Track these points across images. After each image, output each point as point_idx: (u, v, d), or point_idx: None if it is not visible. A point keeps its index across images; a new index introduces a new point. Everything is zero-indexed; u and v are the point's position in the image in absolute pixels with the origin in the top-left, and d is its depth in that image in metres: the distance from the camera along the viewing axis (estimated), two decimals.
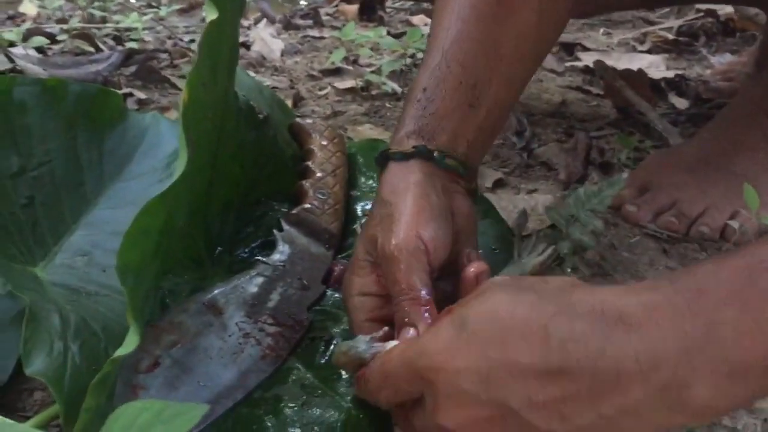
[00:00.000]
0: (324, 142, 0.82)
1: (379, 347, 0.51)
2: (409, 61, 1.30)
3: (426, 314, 0.50)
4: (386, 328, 0.53)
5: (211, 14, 0.52)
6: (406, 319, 0.51)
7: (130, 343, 0.48)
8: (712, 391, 0.36)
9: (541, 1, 0.65)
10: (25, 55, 1.14)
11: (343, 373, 0.60)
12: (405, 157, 0.58)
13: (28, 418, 0.56)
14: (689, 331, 0.36)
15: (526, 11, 0.65)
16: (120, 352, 0.47)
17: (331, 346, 0.61)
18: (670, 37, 1.53)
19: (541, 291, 0.41)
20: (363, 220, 0.76)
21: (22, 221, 0.67)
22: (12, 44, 1.23)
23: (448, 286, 0.56)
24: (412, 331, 0.50)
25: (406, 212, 0.54)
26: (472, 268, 0.52)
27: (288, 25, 1.72)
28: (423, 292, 0.51)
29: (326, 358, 0.61)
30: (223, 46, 0.59)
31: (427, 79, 0.62)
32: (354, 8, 1.85)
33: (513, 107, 0.74)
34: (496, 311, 0.41)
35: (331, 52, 1.42)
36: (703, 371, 0.35)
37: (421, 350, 0.44)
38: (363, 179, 0.82)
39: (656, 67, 1.32)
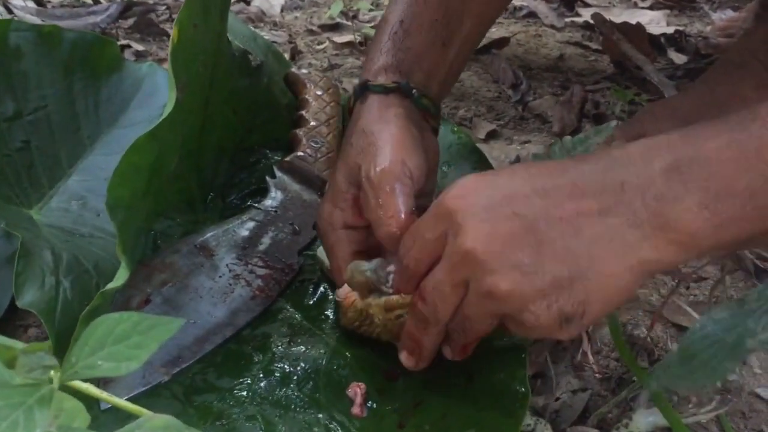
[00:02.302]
0: (319, 92, 0.83)
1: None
2: None
3: None
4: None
5: None
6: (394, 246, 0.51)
7: (120, 277, 0.49)
8: (700, 207, 0.39)
9: None
10: (23, 6, 1.14)
11: (330, 314, 0.61)
12: (385, 90, 0.59)
13: None
14: (680, 155, 0.40)
15: None
16: (111, 285, 0.49)
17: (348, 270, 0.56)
18: None
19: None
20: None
21: (18, 164, 0.68)
22: None
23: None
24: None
25: (391, 141, 0.55)
26: None
27: None
28: (408, 215, 0.51)
29: (314, 299, 0.63)
30: None
31: (403, 11, 0.63)
32: None
33: (476, 47, 0.75)
34: (512, 165, 0.46)
35: (330, 8, 1.42)
36: (692, 186, 0.39)
37: (449, 188, 0.45)
38: (349, 114, 0.83)
39: (657, 22, 1.31)
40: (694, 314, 0.61)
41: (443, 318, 0.46)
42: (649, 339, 0.61)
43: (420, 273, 0.47)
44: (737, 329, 0.44)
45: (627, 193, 0.40)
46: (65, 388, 0.31)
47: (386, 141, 0.55)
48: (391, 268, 0.51)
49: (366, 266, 0.52)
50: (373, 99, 0.59)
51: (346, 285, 0.55)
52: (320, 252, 0.62)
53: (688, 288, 0.67)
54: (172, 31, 0.52)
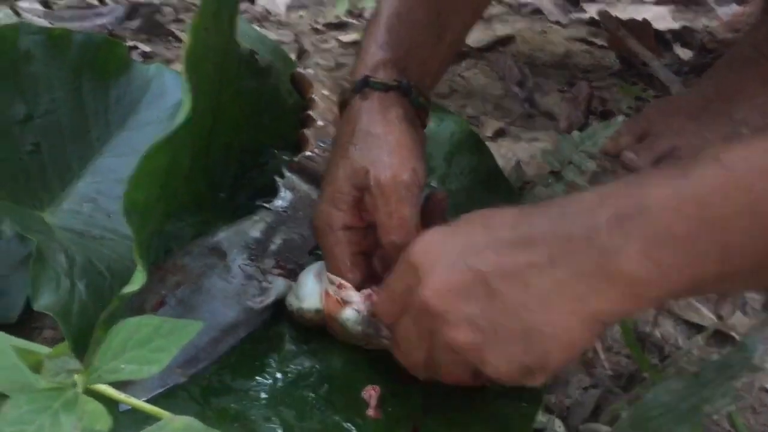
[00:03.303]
0: (325, 92, 0.83)
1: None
2: None
3: None
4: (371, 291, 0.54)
5: None
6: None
7: (137, 281, 0.49)
8: (641, 256, 0.39)
9: None
10: (30, 8, 1.14)
11: None
12: (386, 88, 0.59)
13: None
14: (624, 204, 0.40)
15: None
16: (128, 289, 0.49)
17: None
18: None
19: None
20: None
21: (29, 167, 0.68)
22: None
23: None
24: None
25: (400, 146, 0.55)
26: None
27: None
28: (416, 224, 0.54)
29: None
30: None
31: (399, 3, 0.62)
32: None
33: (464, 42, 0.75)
34: (473, 214, 0.47)
35: (335, 6, 1.42)
36: (634, 235, 0.39)
37: (412, 244, 0.47)
38: (343, 108, 0.83)
39: (662, 18, 1.30)
40: (705, 311, 0.61)
41: (417, 362, 0.49)
42: (659, 336, 0.61)
43: (395, 321, 0.49)
44: (692, 399, 0.44)
45: (573, 244, 0.41)
46: (86, 391, 0.31)
47: (395, 146, 0.55)
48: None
49: (353, 323, 0.53)
50: (373, 97, 0.59)
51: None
52: (290, 298, 0.60)
53: None
54: (186, 36, 0.52)
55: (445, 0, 0.63)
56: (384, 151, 0.55)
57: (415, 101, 0.60)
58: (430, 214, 0.57)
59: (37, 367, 0.29)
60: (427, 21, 0.62)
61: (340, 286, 0.55)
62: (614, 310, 0.41)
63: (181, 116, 0.52)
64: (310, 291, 0.58)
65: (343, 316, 0.54)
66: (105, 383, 0.30)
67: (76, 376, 0.29)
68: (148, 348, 0.30)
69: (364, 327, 0.53)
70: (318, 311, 0.57)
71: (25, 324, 0.61)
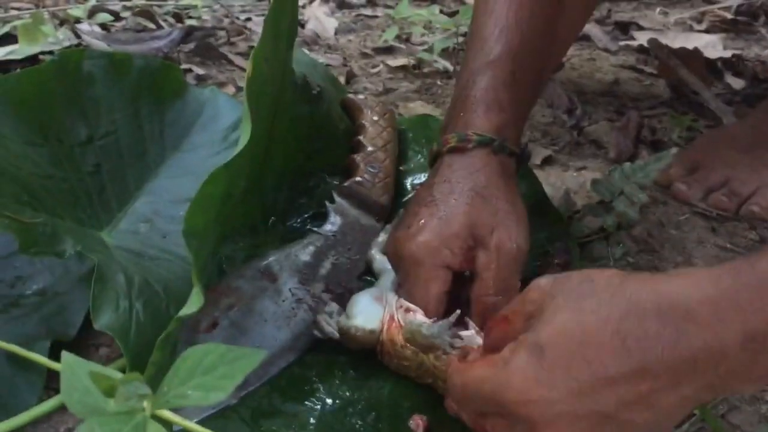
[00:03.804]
0: (375, 117, 0.84)
1: (463, 340, 0.53)
2: (461, 39, 1.31)
3: None
4: (458, 312, 0.54)
5: None
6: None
7: (194, 303, 0.51)
8: (765, 373, 0.39)
9: None
10: (90, 31, 1.18)
11: None
12: (510, 154, 0.62)
13: None
14: (752, 326, 0.38)
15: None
16: (185, 311, 0.50)
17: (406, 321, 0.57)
18: (729, 16, 1.50)
19: (595, 293, 0.43)
20: (411, 195, 0.78)
21: (89, 187, 0.71)
22: (78, 20, 1.28)
23: None
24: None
25: (525, 219, 0.59)
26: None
27: (342, 4, 1.73)
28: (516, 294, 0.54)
29: None
30: (284, 22, 0.62)
31: (513, 59, 0.64)
32: None
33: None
34: (565, 330, 0.42)
35: (383, 31, 1.44)
36: (762, 357, 0.38)
37: (505, 384, 0.43)
38: (412, 154, 0.84)
39: (713, 46, 1.30)
40: None
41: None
42: None
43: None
44: None
45: (699, 366, 0.39)
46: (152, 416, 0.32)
47: (521, 216, 0.59)
48: (463, 332, 0.54)
49: (428, 328, 0.53)
50: (501, 158, 0.62)
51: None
52: (341, 317, 0.60)
53: None
54: (248, 65, 0.54)
55: (544, 60, 0.66)
56: (512, 217, 0.58)
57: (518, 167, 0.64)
58: None
59: (109, 391, 0.30)
60: (533, 82, 0.65)
61: (407, 310, 0.55)
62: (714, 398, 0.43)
63: (240, 144, 0.53)
64: (364, 310, 0.58)
65: (416, 323, 0.54)
66: (172, 408, 0.31)
67: (145, 402, 0.30)
68: (213, 375, 0.31)
69: (435, 336, 0.53)
70: (371, 331, 0.57)
71: (83, 341, 0.63)
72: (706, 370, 0.39)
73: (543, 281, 0.46)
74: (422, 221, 0.58)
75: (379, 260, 0.67)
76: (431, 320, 0.55)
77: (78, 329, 0.63)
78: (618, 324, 0.41)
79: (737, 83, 1.15)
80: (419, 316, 0.55)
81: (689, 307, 0.39)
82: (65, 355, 0.33)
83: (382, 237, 0.70)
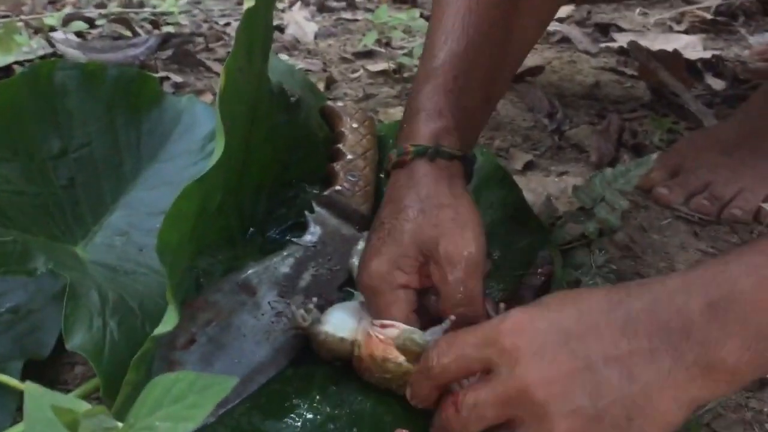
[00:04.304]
0: (355, 125, 0.83)
1: None
2: None
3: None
4: (452, 318, 0.54)
5: (248, 1, 0.54)
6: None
7: (169, 321, 0.49)
8: (741, 350, 0.41)
9: None
10: (65, 39, 1.16)
11: None
12: (451, 157, 0.60)
13: (69, 390, 0.59)
14: (715, 295, 0.42)
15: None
16: (160, 329, 0.49)
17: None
18: (708, 16, 1.50)
19: (573, 301, 0.47)
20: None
21: (63, 202, 0.69)
22: (53, 29, 1.26)
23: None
24: None
25: (470, 219, 0.56)
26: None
27: (322, 8, 1.73)
28: (482, 299, 0.55)
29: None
30: (258, 31, 0.61)
31: (456, 65, 0.62)
32: None
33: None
34: (558, 295, 0.47)
35: (364, 35, 1.43)
36: (732, 330, 0.41)
37: (500, 321, 0.47)
38: (386, 166, 0.83)
39: (693, 47, 1.30)
40: None
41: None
42: None
43: (443, 382, 0.49)
44: None
45: (672, 336, 0.42)
46: None
47: (466, 220, 0.56)
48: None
49: (421, 336, 0.53)
50: (439, 164, 0.59)
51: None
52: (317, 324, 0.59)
53: None
54: (220, 78, 0.53)
55: (496, 61, 0.64)
56: (456, 223, 0.56)
57: (470, 169, 0.62)
58: None
59: (72, 425, 0.29)
60: (482, 84, 0.63)
61: (383, 326, 0.55)
62: (712, 395, 0.43)
63: (213, 158, 0.52)
64: (337, 319, 0.58)
65: (407, 332, 0.53)
66: None
67: None
68: (183, 404, 0.30)
69: (428, 340, 0.52)
70: (341, 339, 0.56)
71: (57, 360, 0.62)
72: (679, 341, 0.42)
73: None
74: (373, 247, 0.58)
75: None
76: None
77: (53, 347, 0.61)
78: (608, 291, 0.46)
79: (717, 84, 1.15)
80: (403, 326, 0.54)
81: (664, 281, 0.44)
82: (29, 385, 0.32)
83: (361, 245, 0.69)
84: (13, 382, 0.44)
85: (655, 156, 0.69)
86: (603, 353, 0.43)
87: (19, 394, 0.55)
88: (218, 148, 0.52)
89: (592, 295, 0.47)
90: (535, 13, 0.66)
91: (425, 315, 0.57)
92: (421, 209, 0.57)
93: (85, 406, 0.30)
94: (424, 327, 0.55)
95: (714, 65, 1.22)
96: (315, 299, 0.63)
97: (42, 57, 1.08)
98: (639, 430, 0.43)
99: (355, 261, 0.67)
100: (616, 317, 0.44)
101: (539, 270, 0.64)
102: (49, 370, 0.61)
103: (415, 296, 0.57)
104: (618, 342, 0.43)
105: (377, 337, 0.54)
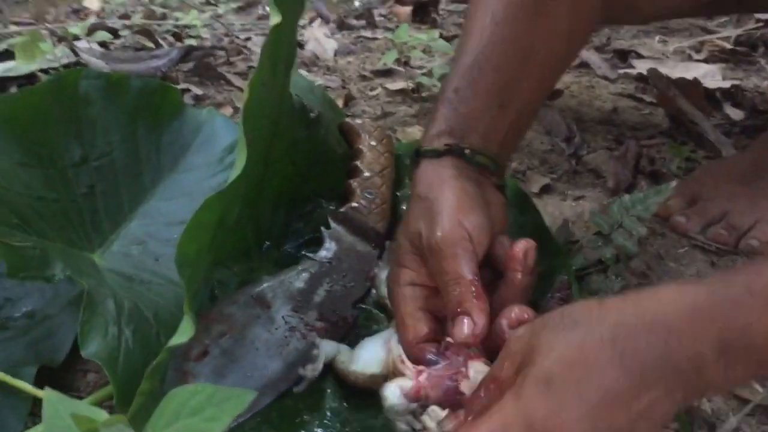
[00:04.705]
0: (373, 143, 0.84)
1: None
2: None
3: (476, 300, 0.52)
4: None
5: (274, 18, 0.54)
6: (459, 309, 0.52)
7: (184, 333, 0.49)
8: (745, 376, 0.44)
9: (574, 5, 0.67)
10: (89, 48, 1.18)
11: None
12: (437, 154, 0.60)
13: (82, 397, 0.59)
14: (727, 335, 0.42)
15: (558, 13, 0.66)
16: (175, 340, 0.49)
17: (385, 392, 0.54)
18: (728, 46, 1.50)
19: (579, 323, 0.45)
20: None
21: (82, 209, 0.70)
22: (76, 38, 1.28)
23: (488, 275, 0.57)
24: (466, 321, 0.51)
25: (446, 204, 0.56)
26: (520, 245, 0.55)
27: (342, 25, 1.74)
28: (471, 278, 0.53)
29: None
30: (282, 47, 0.61)
31: (459, 79, 0.64)
32: (407, 10, 1.86)
33: (541, 105, 0.76)
34: (564, 358, 0.44)
35: (383, 53, 1.44)
36: (740, 364, 0.42)
37: (524, 421, 0.43)
38: (409, 180, 0.83)
39: (712, 76, 1.30)
40: (757, 386, 0.59)
41: None
42: (710, 411, 0.59)
43: None
44: None
45: (685, 375, 0.43)
46: None
47: (442, 205, 0.56)
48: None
49: (393, 396, 0.52)
50: (425, 164, 0.60)
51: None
52: (343, 358, 0.60)
53: None
54: (244, 92, 0.53)
55: (508, 72, 0.64)
56: (433, 212, 0.56)
57: (472, 160, 0.60)
58: (515, 265, 0.56)
59: None
60: (488, 92, 0.63)
61: (402, 361, 0.54)
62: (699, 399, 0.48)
63: (235, 170, 0.52)
64: (370, 355, 0.58)
65: (384, 392, 0.52)
66: None
67: None
68: (201, 417, 0.30)
69: (400, 405, 0.51)
70: (372, 375, 0.57)
71: (71, 366, 0.62)
72: (692, 378, 0.43)
73: (520, 331, 0.48)
74: (389, 255, 0.60)
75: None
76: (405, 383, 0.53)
77: (66, 353, 0.62)
78: (612, 344, 0.43)
79: (736, 114, 1.15)
80: (407, 365, 0.54)
81: (670, 321, 0.43)
82: (48, 392, 0.32)
83: (384, 272, 0.68)
84: (28, 387, 0.44)
85: (673, 184, 0.69)
86: (629, 413, 0.43)
87: (32, 400, 0.56)
88: (240, 160, 0.52)
89: (597, 351, 0.44)
90: (552, 30, 0.66)
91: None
92: (411, 208, 0.59)
93: (103, 415, 0.30)
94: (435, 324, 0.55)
95: (733, 95, 1.21)
96: (323, 324, 0.64)
97: (66, 66, 1.10)
98: None
99: (383, 290, 0.66)
100: (631, 374, 0.43)
101: (557, 294, 0.64)
102: (62, 376, 0.62)
103: (426, 294, 0.57)
104: (638, 396, 0.43)
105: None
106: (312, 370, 0.58)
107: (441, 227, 0.55)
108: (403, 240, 0.58)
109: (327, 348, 0.60)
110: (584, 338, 0.44)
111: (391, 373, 0.55)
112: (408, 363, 0.54)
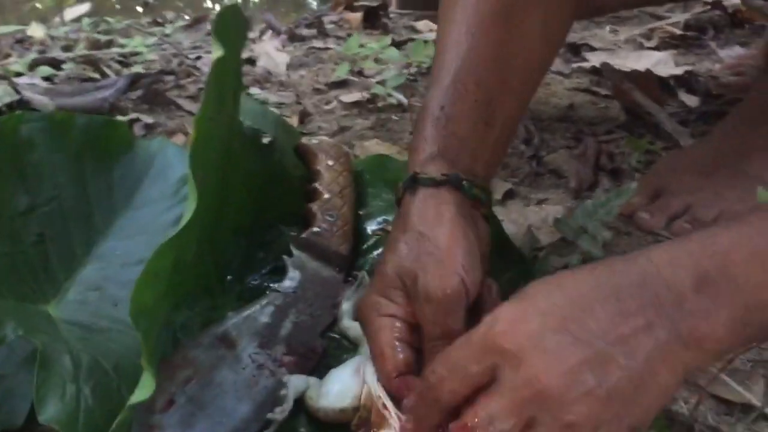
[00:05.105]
0: (330, 162, 0.82)
1: None
2: (414, 70, 1.30)
3: None
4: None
5: (216, 52, 0.52)
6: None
7: (145, 388, 0.47)
8: (732, 322, 0.42)
9: (546, 9, 0.65)
10: (31, 85, 1.14)
11: None
12: (435, 183, 0.58)
13: None
14: (705, 269, 0.42)
15: (531, 18, 0.65)
16: (136, 397, 0.47)
17: None
18: (678, 32, 1.51)
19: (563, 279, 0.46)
20: (376, 250, 0.75)
21: (33, 259, 0.67)
22: (19, 74, 1.24)
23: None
24: None
25: (450, 253, 0.54)
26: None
27: (293, 37, 1.72)
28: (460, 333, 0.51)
29: None
30: (228, 78, 0.59)
31: (442, 96, 0.62)
32: (358, 16, 1.84)
33: (521, 119, 0.74)
34: (541, 282, 0.46)
35: (336, 63, 1.42)
36: (721, 301, 0.42)
37: (491, 323, 0.45)
38: (370, 198, 0.82)
39: (664, 63, 1.30)
40: (735, 385, 0.59)
41: None
42: (687, 413, 0.59)
43: (452, 405, 0.46)
44: None
45: (665, 307, 0.43)
46: None
47: (445, 251, 0.54)
48: None
49: None
50: (424, 193, 0.58)
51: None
52: (312, 393, 0.58)
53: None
54: (192, 130, 0.51)
55: (490, 86, 0.62)
56: (433, 257, 0.54)
57: (469, 193, 0.59)
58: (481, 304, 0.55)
59: None
60: (473, 108, 0.61)
61: (384, 407, 0.52)
62: (701, 365, 0.45)
63: (186, 213, 0.50)
64: (339, 388, 0.55)
65: None
66: None
67: None
68: None
69: None
70: (342, 411, 0.54)
71: (33, 427, 0.59)
72: (673, 313, 0.42)
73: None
74: (370, 281, 0.58)
75: (353, 327, 0.64)
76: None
77: (26, 415, 0.59)
78: (590, 272, 0.45)
79: (691, 100, 1.15)
80: (391, 413, 0.51)
81: (649, 256, 0.44)
82: None
83: (348, 303, 0.67)
84: None
85: (634, 185, 0.69)
86: (603, 333, 0.43)
87: None
88: (191, 203, 0.50)
89: (577, 277, 0.46)
90: (528, 40, 0.65)
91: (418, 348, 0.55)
92: (404, 241, 0.56)
93: None
94: (414, 360, 0.54)
95: (687, 81, 1.22)
96: (291, 359, 0.62)
97: (9, 104, 1.06)
98: (644, 404, 0.43)
99: (345, 322, 0.66)
100: (608, 296, 0.43)
101: None
102: None
103: (403, 325, 0.55)
104: (615, 320, 0.43)
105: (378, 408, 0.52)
106: (281, 412, 0.56)
107: (443, 280, 0.53)
108: (390, 272, 0.55)
109: (296, 383, 0.58)
110: (559, 276, 0.46)
111: (373, 421, 0.52)
112: (392, 409, 0.51)
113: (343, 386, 0.56)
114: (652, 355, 0.42)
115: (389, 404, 0.52)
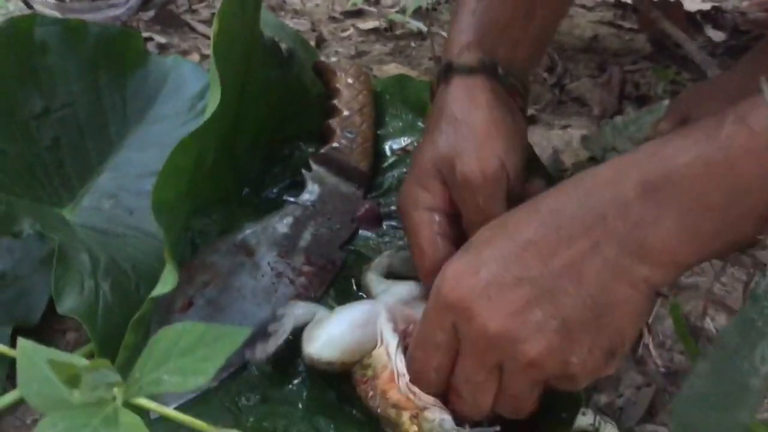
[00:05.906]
0: (350, 80, 0.80)
1: None
2: None
3: None
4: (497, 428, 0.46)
5: None
6: None
7: (168, 282, 0.47)
8: (678, 228, 0.40)
9: None
10: (42, 1, 1.11)
11: None
12: (471, 71, 0.55)
13: None
14: (650, 175, 0.40)
15: None
16: (158, 290, 0.46)
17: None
18: None
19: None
20: (396, 169, 0.74)
21: (47, 163, 0.66)
22: None
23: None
24: None
25: (488, 137, 0.52)
26: None
27: None
28: None
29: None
30: None
31: None
32: None
33: (564, 17, 0.71)
34: (484, 230, 0.45)
35: None
36: (667, 206, 0.40)
37: (439, 284, 0.44)
38: (390, 118, 0.80)
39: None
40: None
41: (486, 407, 0.45)
42: (713, 329, 0.58)
43: (445, 378, 0.45)
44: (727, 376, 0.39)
45: (609, 222, 0.41)
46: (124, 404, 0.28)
47: (483, 136, 0.52)
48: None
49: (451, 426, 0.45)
50: (458, 81, 0.56)
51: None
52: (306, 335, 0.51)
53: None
54: (214, 23, 0.49)
55: None
56: (471, 141, 0.52)
57: (505, 81, 0.56)
58: None
59: (73, 381, 0.26)
60: (512, 0, 0.59)
61: (414, 394, 0.46)
62: (660, 278, 0.41)
63: (209, 108, 0.49)
64: (332, 338, 0.49)
65: (437, 420, 0.45)
66: (146, 396, 0.27)
67: (116, 390, 0.26)
68: (192, 357, 0.27)
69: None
70: (330, 363, 0.49)
71: (48, 326, 0.59)
72: (619, 226, 0.40)
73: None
74: (407, 171, 0.56)
75: (376, 281, 0.57)
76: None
77: (42, 314, 0.58)
78: (536, 202, 0.44)
79: (718, 36, 1.12)
80: (427, 398, 0.46)
81: (595, 172, 0.43)
82: (21, 342, 0.29)
83: (378, 259, 0.60)
84: (2, 347, 0.41)
85: (666, 102, 0.67)
86: (546, 267, 0.41)
87: (9, 362, 0.53)
88: (213, 96, 0.49)
89: (520, 215, 0.45)
90: None
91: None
92: (439, 128, 0.54)
93: (83, 361, 0.27)
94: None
95: (713, 17, 1.19)
96: (311, 268, 0.60)
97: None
98: (613, 326, 0.42)
99: (371, 275, 0.58)
100: (550, 227, 0.42)
101: None
102: (39, 338, 0.58)
103: (442, 219, 0.53)
104: (557, 250, 0.41)
105: (408, 395, 0.46)
106: (261, 352, 0.49)
107: (481, 162, 0.51)
108: (426, 161, 0.54)
109: (297, 311, 0.52)
110: (503, 218, 0.45)
111: (373, 366, 0.48)
112: (423, 396, 0.46)
113: (334, 335, 0.50)
114: (602, 275, 0.41)
115: (417, 390, 0.46)
